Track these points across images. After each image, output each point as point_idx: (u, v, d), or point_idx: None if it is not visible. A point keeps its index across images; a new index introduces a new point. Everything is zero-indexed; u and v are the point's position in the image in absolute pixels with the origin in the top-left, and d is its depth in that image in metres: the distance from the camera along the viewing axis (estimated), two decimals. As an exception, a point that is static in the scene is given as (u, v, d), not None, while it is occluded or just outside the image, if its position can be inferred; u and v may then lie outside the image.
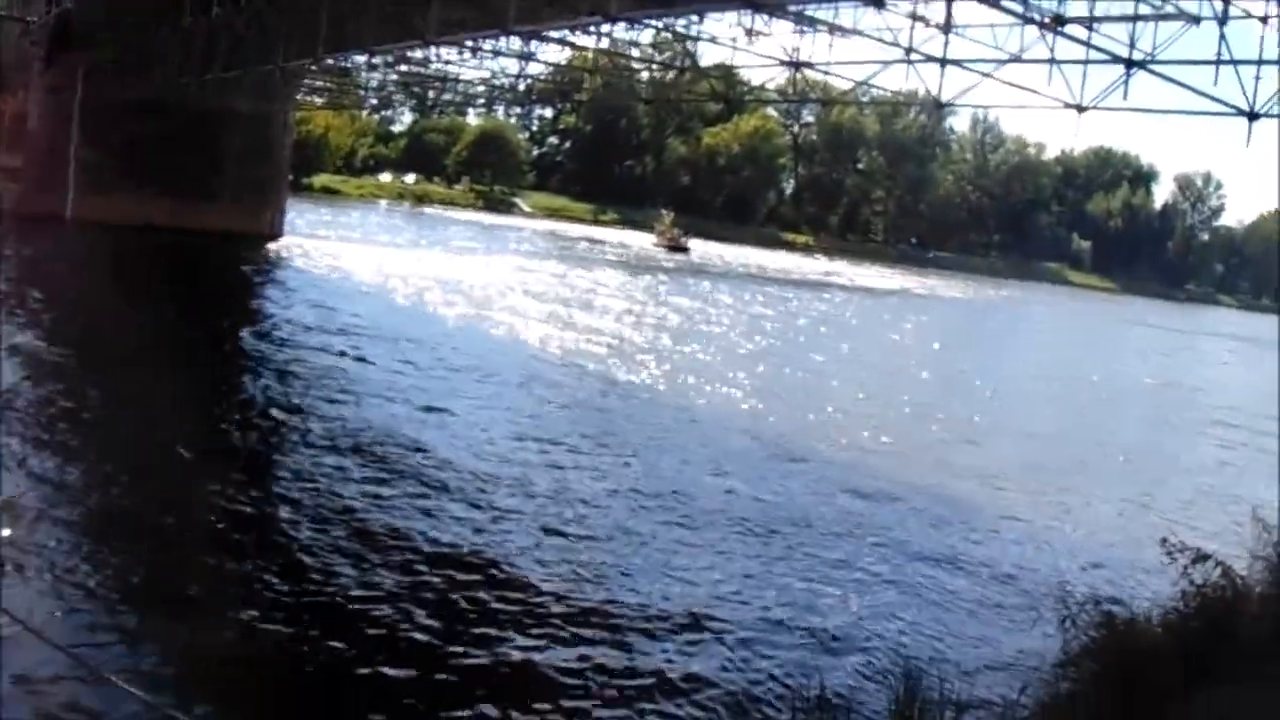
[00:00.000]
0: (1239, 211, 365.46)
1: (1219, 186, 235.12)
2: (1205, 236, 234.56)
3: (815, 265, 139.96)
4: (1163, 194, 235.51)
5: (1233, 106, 28.19)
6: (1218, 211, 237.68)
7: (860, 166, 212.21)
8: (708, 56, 51.04)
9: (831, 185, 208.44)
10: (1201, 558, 13.52)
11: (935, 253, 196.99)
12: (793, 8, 33.50)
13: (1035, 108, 32.91)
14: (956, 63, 32.41)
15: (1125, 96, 29.47)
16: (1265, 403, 47.94)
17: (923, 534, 22.05)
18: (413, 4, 36.89)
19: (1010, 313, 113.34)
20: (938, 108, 36.43)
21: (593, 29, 41.51)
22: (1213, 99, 28.44)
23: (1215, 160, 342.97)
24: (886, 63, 35.82)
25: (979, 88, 34.64)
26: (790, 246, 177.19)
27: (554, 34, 42.58)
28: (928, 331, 73.80)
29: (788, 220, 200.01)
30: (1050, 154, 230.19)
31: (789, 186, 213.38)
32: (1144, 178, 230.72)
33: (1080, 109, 30.85)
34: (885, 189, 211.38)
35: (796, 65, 38.12)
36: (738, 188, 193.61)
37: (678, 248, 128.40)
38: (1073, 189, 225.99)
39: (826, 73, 39.70)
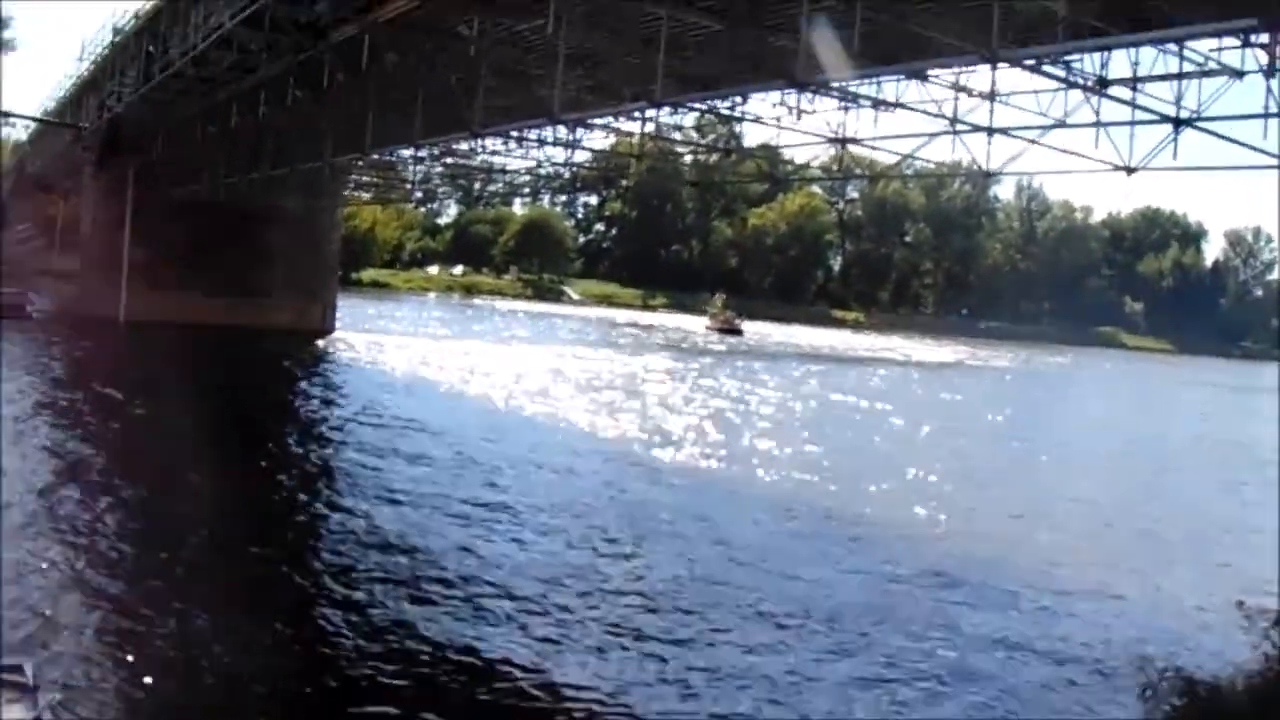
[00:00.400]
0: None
1: (1270, 241, 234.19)
2: (1259, 292, 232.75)
3: (867, 341, 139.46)
4: (1213, 251, 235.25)
5: (1283, 159, 28.01)
6: (1270, 266, 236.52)
7: (907, 240, 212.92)
8: (751, 136, 50.93)
9: (879, 260, 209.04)
10: (1280, 620, 13.29)
11: (987, 323, 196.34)
12: (836, 84, 33.46)
13: (1083, 172, 32.56)
14: (1002, 131, 32.32)
15: (1175, 155, 29.22)
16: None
17: (993, 615, 21.64)
18: (459, 95, 37.09)
19: (1065, 379, 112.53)
20: (985, 177, 36.37)
21: (637, 114, 41.65)
22: (1263, 152, 28.22)
23: (1266, 214, 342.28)
24: (932, 134, 35.71)
25: (1026, 154, 34.54)
26: (840, 323, 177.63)
27: (599, 120, 42.76)
28: (983, 403, 73.46)
29: (837, 297, 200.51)
30: (1097, 217, 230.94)
31: (837, 263, 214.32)
32: (1193, 236, 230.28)
33: (1129, 170, 30.61)
34: (933, 261, 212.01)
35: (843, 142, 38.11)
36: (785, 267, 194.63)
37: (731, 330, 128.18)
38: (1122, 251, 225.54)
39: (873, 147, 39.73)
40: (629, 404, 52.03)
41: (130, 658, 15.38)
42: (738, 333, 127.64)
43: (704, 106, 41.74)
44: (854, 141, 38.09)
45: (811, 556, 25.37)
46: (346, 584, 20.10)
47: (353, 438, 36.47)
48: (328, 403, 45.32)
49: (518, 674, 16.38)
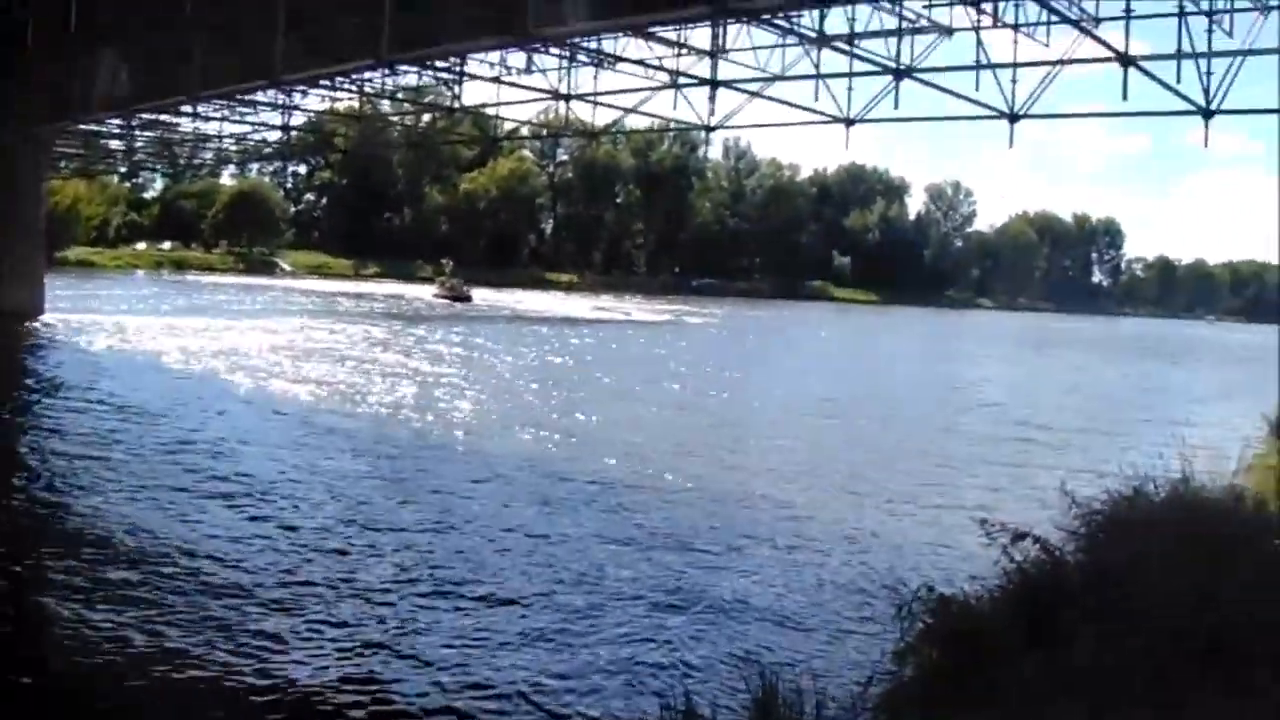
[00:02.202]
0: (990, 216, 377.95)
1: (969, 194, 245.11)
2: (959, 242, 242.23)
3: (586, 304, 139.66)
4: (916, 205, 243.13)
5: (995, 109, 29.21)
6: (970, 218, 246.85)
7: (618, 201, 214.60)
8: (469, 96, 50.64)
9: (590, 222, 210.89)
10: (1019, 536, 13.89)
11: (699, 280, 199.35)
12: (561, 40, 33.59)
13: (806, 124, 33.20)
14: (726, 84, 32.97)
15: (896, 105, 30.24)
16: (1037, 396, 49.98)
17: (746, 555, 22.06)
18: (173, 57, 35.85)
19: (782, 331, 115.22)
20: (708, 131, 36.86)
21: (355, 76, 41.13)
22: (976, 103, 29.43)
23: (964, 168, 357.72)
24: (654, 89, 36.22)
25: (747, 108, 35.26)
26: (555, 286, 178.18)
27: (324, 81, 41.92)
28: (702, 355, 75.00)
29: (550, 260, 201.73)
30: (805, 174, 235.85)
31: (549, 226, 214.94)
32: (896, 190, 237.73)
33: (849, 122, 31.59)
34: (644, 221, 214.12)
35: (566, 98, 38.32)
36: (498, 231, 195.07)
37: (459, 297, 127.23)
38: (829, 206, 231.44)
39: (595, 102, 39.94)
40: (364, 373, 51.30)
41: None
42: (466, 299, 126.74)
43: (421, 68, 41.51)
44: (577, 98, 38.32)
45: (549, 518, 25.30)
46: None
47: (69, 427, 34.58)
48: (47, 389, 42.99)
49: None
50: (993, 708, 10.54)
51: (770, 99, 33.47)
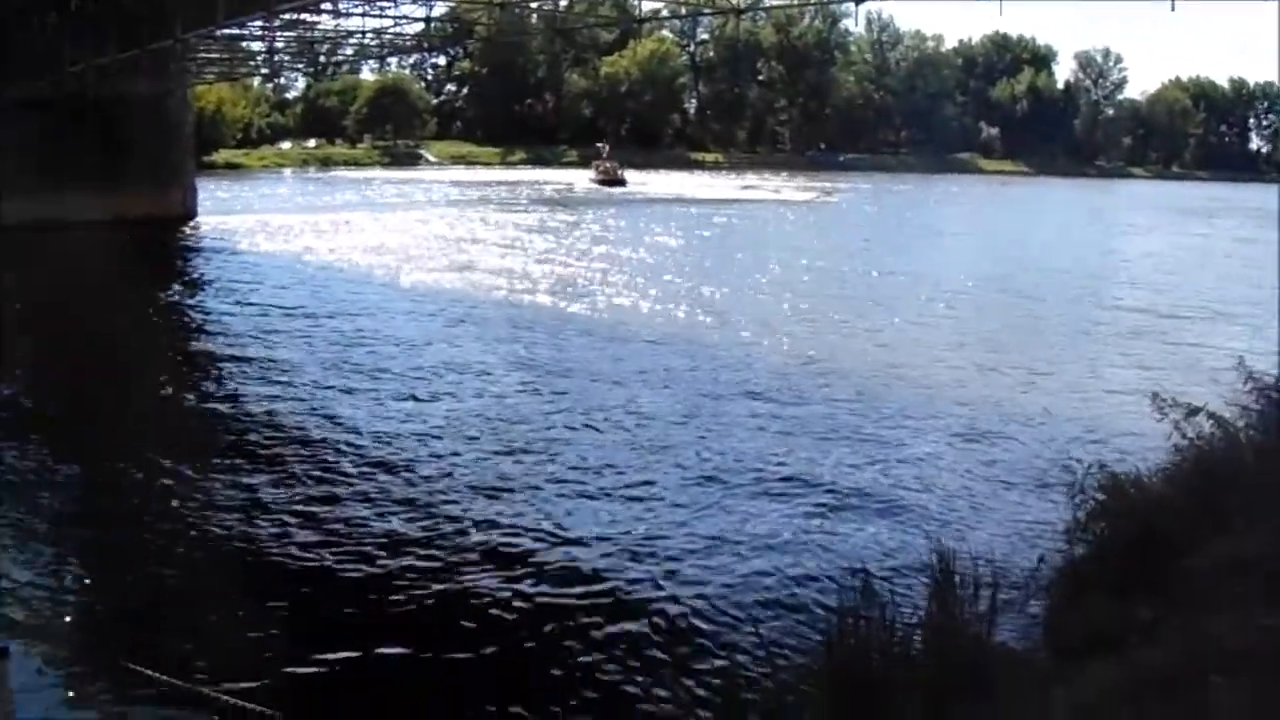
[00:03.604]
0: (1141, 83, 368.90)
1: (1119, 60, 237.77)
2: (1110, 111, 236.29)
3: (735, 182, 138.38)
4: (1064, 73, 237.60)
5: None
6: (1120, 85, 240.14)
7: (761, 78, 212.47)
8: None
9: (734, 100, 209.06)
10: (1193, 411, 13.52)
11: (846, 155, 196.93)
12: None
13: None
14: (871, -48, 32.13)
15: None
16: (1195, 267, 48.93)
17: (916, 439, 21.92)
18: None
19: (931, 206, 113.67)
20: (857, 4, 36.11)
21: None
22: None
23: (1113, 35, 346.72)
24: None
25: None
26: (700, 165, 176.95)
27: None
28: (853, 233, 74.57)
29: (694, 140, 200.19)
30: (949, 45, 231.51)
31: (692, 106, 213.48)
32: (1043, 59, 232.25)
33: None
34: (788, 98, 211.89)
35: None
36: (641, 113, 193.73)
37: (615, 181, 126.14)
38: (974, 78, 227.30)
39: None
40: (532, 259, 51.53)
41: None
42: (621, 183, 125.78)
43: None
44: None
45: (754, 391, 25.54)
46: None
47: (242, 330, 35.06)
48: (214, 292, 43.25)
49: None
50: (1162, 596, 10.29)
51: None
